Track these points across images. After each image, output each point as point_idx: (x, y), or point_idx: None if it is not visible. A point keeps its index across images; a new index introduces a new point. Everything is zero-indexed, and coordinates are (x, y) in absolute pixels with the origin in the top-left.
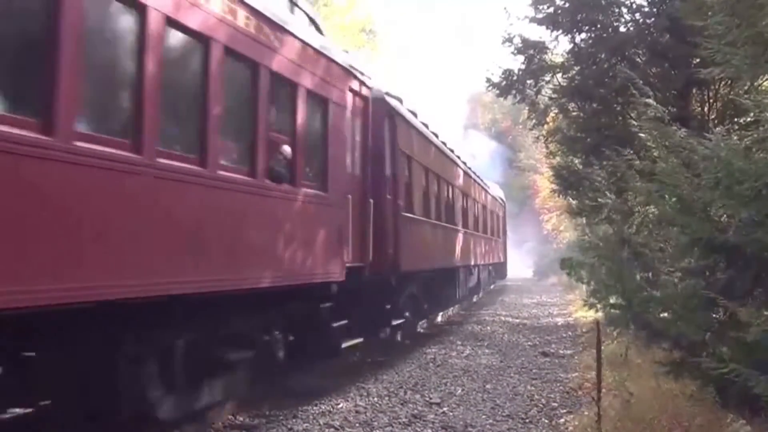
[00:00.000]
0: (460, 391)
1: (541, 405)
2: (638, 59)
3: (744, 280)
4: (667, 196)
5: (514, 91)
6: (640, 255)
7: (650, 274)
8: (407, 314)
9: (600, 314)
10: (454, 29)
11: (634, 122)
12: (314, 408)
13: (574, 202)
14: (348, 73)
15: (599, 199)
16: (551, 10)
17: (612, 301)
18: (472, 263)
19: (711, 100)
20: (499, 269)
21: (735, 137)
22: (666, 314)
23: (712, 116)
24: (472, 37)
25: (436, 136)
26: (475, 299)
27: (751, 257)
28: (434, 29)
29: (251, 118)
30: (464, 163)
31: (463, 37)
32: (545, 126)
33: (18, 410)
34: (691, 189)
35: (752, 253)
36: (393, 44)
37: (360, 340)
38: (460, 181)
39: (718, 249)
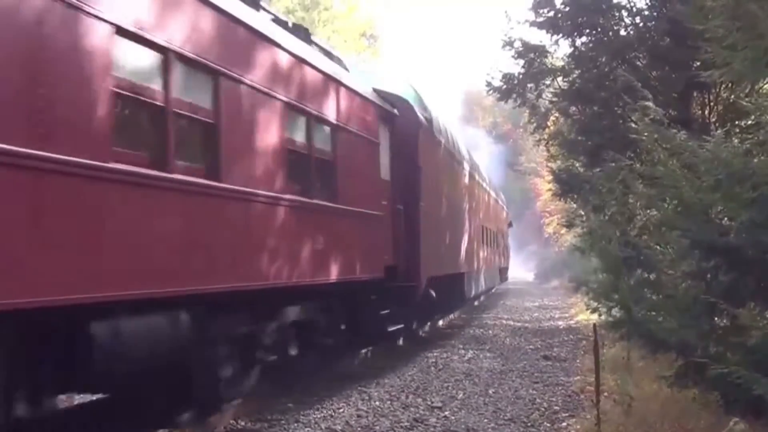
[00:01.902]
0: (461, 394)
1: (543, 409)
2: (639, 62)
3: (746, 284)
4: (667, 199)
5: (514, 95)
6: (641, 253)
7: (652, 276)
8: None
9: (602, 318)
10: (453, 28)
11: (634, 125)
12: (316, 412)
13: (574, 206)
14: None
15: (603, 200)
16: (552, 14)
17: (611, 306)
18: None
19: (712, 103)
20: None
21: (736, 140)
22: (668, 320)
23: (713, 119)
24: (469, 36)
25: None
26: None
27: (753, 260)
28: (432, 26)
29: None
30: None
31: (460, 35)
32: (546, 129)
33: None
34: (693, 191)
35: (754, 255)
36: (394, 48)
37: None
38: None
39: (720, 252)
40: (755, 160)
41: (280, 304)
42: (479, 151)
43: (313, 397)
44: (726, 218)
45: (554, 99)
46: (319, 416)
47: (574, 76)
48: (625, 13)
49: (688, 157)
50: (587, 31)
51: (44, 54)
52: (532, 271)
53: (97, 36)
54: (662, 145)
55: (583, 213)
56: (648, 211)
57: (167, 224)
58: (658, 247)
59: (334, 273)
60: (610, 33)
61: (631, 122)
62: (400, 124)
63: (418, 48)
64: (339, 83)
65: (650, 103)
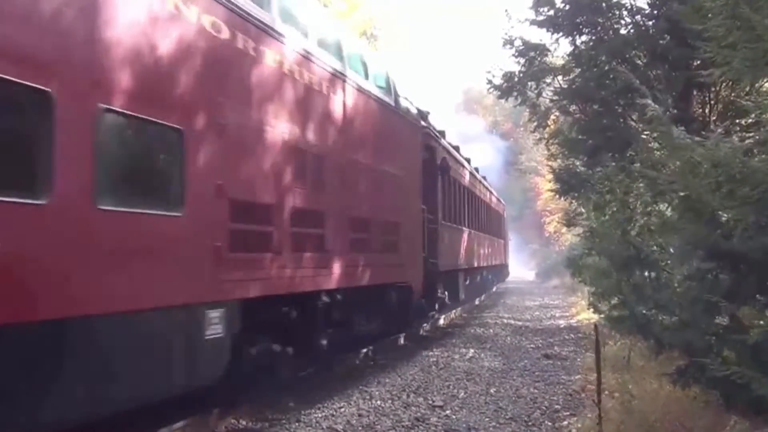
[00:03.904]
0: (463, 393)
1: (544, 407)
2: (639, 61)
3: (747, 285)
4: (670, 198)
5: (515, 93)
6: (641, 252)
7: (653, 275)
8: None
9: (602, 317)
10: (453, 27)
11: (635, 124)
12: (317, 412)
13: (574, 205)
14: None
15: (607, 197)
16: (552, 12)
17: (614, 302)
18: None
19: (712, 102)
20: None
21: (736, 138)
22: (671, 320)
23: (713, 118)
24: (470, 35)
25: None
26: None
27: (754, 262)
28: (432, 25)
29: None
30: None
31: (461, 34)
32: (546, 128)
33: None
34: (700, 191)
35: (755, 258)
36: (394, 46)
37: None
38: None
39: (722, 254)
40: (755, 159)
41: None
42: (478, 142)
43: (314, 397)
44: (727, 220)
45: (554, 98)
46: (320, 415)
47: (575, 74)
48: (625, 12)
49: (688, 158)
50: (587, 29)
51: None
52: (533, 270)
53: None
54: (663, 144)
55: (584, 211)
56: (648, 209)
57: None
58: (656, 248)
59: None
60: (610, 32)
61: (632, 121)
62: None
63: (418, 46)
64: None
65: (649, 101)
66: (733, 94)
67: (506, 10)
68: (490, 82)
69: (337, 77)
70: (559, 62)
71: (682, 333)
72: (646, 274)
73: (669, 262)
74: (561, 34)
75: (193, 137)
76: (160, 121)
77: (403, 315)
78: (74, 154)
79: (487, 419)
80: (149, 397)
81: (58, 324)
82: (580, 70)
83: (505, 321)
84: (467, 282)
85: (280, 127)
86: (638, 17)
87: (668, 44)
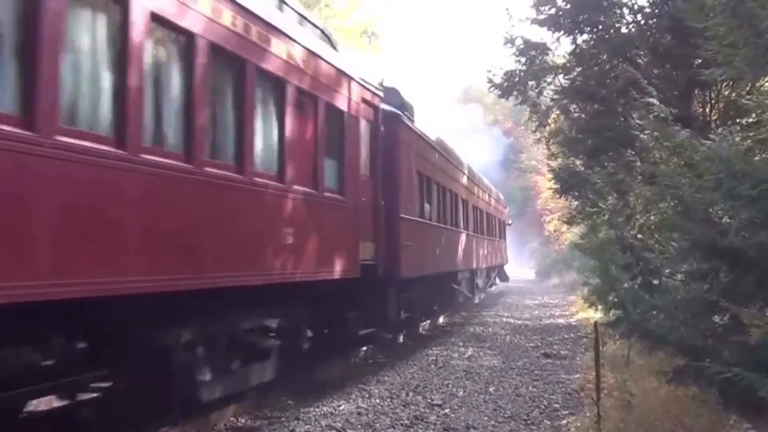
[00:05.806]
0: (462, 392)
1: (543, 406)
2: (640, 60)
3: (746, 284)
4: (668, 199)
5: (515, 92)
6: (641, 258)
7: (651, 278)
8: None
9: (601, 315)
10: (454, 26)
11: (635, 123)
12: (316, 409)
13: (574, 203)
14: None
15: (600, 204)
16: (553, 11)
17: (609, 307)
18: None
19: (713, 101)
20: None
21: (737, 138)
22: (667, 320)
23: (714, 117)
24: (470, 34)
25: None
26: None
27: (753, 260)
28: (433, 24)
29: None
30: None
31: (461, 33)
32: (547, 127)
33: None
34: (692, 191)
35: (754, 255)
36: (394, 45)
37: None
38: None
39: (720, 253)
40: (756, 158)
41: None
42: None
43: (312, 394)
44: (726, 218)
45: (555, 97)
46: (319, 413)
47: (575, 73)
48: (626, 11)
49: (689, 156)
50: (588, 28)
51: None
52: (533, 269)
53: None
54: (663, 143)
55: (581, 214)
56: (648, 208)
57: None
58: (656, 246)
59: None
60: (612, 30)
61: (633, 120)
62: None
63: (419, 45)
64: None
65: (655, 100)
66: (734, 94)
67: (507, 9)
68: (490, 80)
69: None
70: (560, 61)
71: (679, 333)
72: (644, 279)
73: (669, 262)
74: (562, 32)
75: None
76: None
77: None
78: None
79: (486, 418)
80: None
81: None
82: (581, 68)
83: (505, 320)
84: None
85: None
86: (639, 16)
87: (670, 43)
